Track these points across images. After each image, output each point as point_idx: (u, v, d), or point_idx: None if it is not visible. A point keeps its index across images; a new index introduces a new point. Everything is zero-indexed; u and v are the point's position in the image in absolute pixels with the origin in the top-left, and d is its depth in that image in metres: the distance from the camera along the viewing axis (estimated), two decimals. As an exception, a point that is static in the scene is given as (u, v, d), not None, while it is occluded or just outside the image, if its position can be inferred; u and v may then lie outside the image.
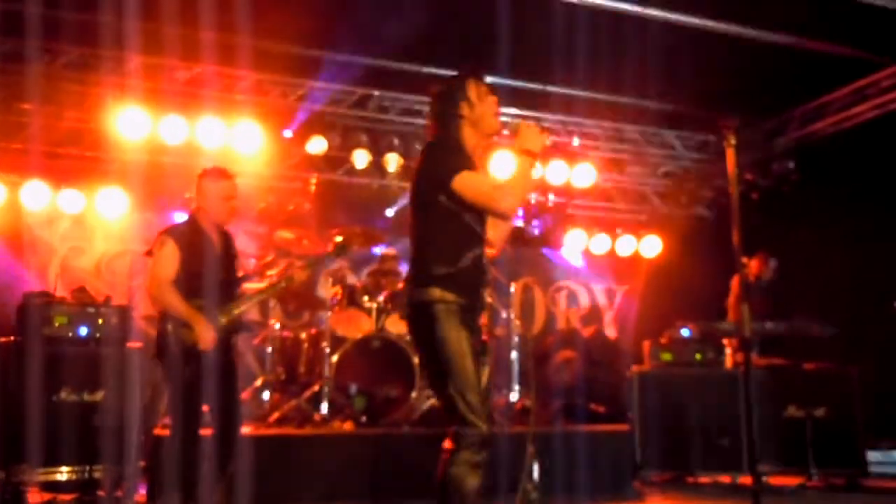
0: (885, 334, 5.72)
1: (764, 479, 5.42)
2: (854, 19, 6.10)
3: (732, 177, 3.10)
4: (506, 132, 3.02)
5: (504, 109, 7.47)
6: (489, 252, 2.98)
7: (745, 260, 6.34)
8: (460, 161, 2.80)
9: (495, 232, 2.99)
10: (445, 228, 2.81)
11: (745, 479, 5.51)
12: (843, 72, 7.14)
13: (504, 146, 7.02)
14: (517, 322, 6.39)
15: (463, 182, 2.75)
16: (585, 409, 6.07)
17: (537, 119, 7.76)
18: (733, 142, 3.07)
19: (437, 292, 2.75)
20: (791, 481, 5.52)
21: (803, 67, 6.89)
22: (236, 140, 6.81)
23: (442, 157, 2.84)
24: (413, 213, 2.90)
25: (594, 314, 8.44)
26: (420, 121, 7.30)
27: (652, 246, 8.56)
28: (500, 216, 2.87)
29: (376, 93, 7.15)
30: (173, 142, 6.63)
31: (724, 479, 5.55)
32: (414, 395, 5.29)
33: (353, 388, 5.32)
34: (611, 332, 8.55)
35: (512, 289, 6.47)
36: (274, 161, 7.14)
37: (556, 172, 7.77)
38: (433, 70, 6.73)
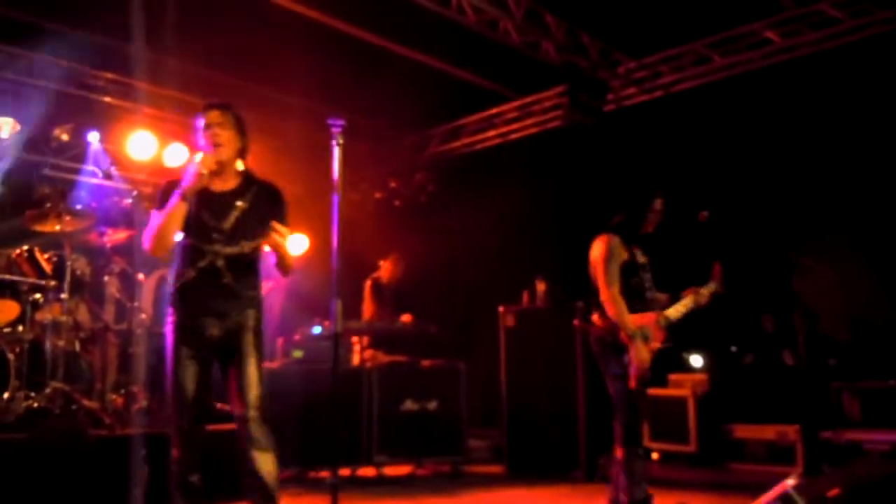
0: (491, 333, 6.43)
1: (379, 468, 5.76)
2: (490, 54, 6.84)
3: (339, 178, 3.21)
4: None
5: (147, 87, 6.99)
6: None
7: (381, 262, 6.73)
8: (161, 199, 3.10)
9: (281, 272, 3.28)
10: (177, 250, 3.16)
11: (365, 471, 5.79)
12: (479, 99, 7.97)
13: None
14: (144, 316, 5.94)
15: None
16: (210, 408, 5.84)
17: (183, 101, 7.34)
18: (341, 141, 3.18)
19: (171, 308, 3.17)
20: (404, 470, 5.95)
21: (449, 90, 7.55)
22: None
23: (159, 194, 3.18)
24: None
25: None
26: (44, 83, 6.44)
27: (299, 244, 8.63)
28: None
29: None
30: None
31: (345, 471, 5.74)
32: (6, 395, 4.60)
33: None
34: (252, 328, 8.43)
35: (142, 281, 6.01)
36: None
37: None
38: (60, 27, 6.02)
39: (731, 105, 6.77)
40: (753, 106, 6.67)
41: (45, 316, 5.04)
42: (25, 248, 5.23)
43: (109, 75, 6.95)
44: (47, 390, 4.80)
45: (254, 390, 3.13)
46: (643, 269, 3.99)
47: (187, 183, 3.02)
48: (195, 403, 3.13)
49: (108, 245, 5.59)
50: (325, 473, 5.72)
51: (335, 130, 3.19)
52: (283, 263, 3.23)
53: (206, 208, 3.11)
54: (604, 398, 5.74)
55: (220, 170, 3.14)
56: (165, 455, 4.55)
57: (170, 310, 3.17)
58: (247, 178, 3.27)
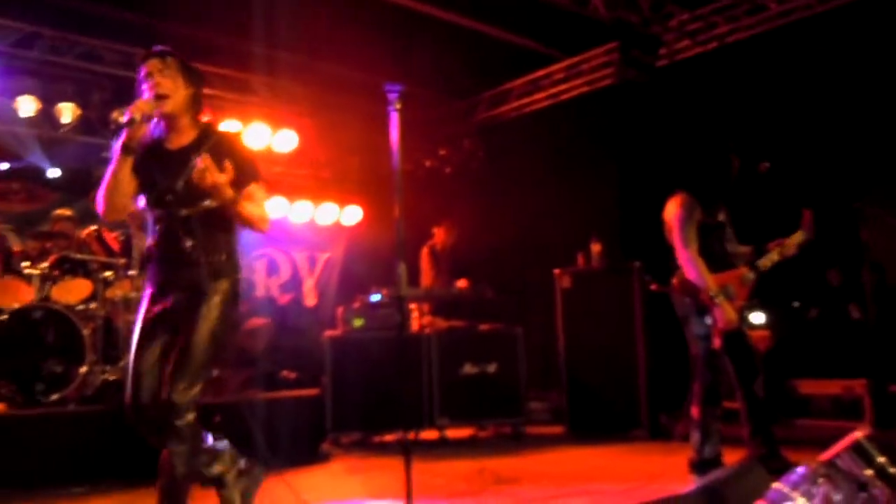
0: (546, 296, 6.43)
1: (441, 431, 5.86)
2: (535, 15, 6.73)
3: (397, 143, 3.18)
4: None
5: (205, 68, 7.12)
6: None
7: (434, 229, 6.78)
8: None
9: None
10: None
11: (428, 434, 5.90)
12: (526, 61, 7.86)
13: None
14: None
15: None
16: (276, 377, 6.03)
17: (243, 80, 7.47)
18: (398, 106, 3.14)
19: None
20: (465, 433, 6.03)
21: (494, 54, 7.47)
22: None
23: None
24: None
25: (293, 282, 8.41)
26: (102, 68, 6.60)
27: (353, 214, 8.74)
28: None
29: (48, 31, 6.30)
30: None
31: (409, 435, 5.85)
32: (84, 370, 4.81)
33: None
34: (311, 299, 8.60)
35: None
36: None
37: (257, 136, 7.58)
38: (116, 12, 6.15)
39: (790, 53, 6.52)
40: (813, 53, 6.41)
41: (115, 293, 5.24)
42: (94, 228, 5.44)
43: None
44: (121, 363, 5.01)
45: (183, 373, 2.69)
46: (722, 225, 3.93)
47: (124, 133, 2.68)
48: (148, 386, 2.73)
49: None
50: (388, 437, 5.87)
51: (392, 96, 3.12)
52: (238, 217, 2.80)
53: (158, 168, 2.79)
54: (664, 357, 5.75)
55: (170, 124, 2.83)
56: (239, 422, 4.76)
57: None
58: (204, 131, 2.90)
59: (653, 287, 5.44)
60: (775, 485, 2.29)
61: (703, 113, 6.60)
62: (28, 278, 4.95)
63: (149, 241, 2.85)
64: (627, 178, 7.15)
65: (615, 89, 7.46)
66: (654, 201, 4.17)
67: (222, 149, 2.82)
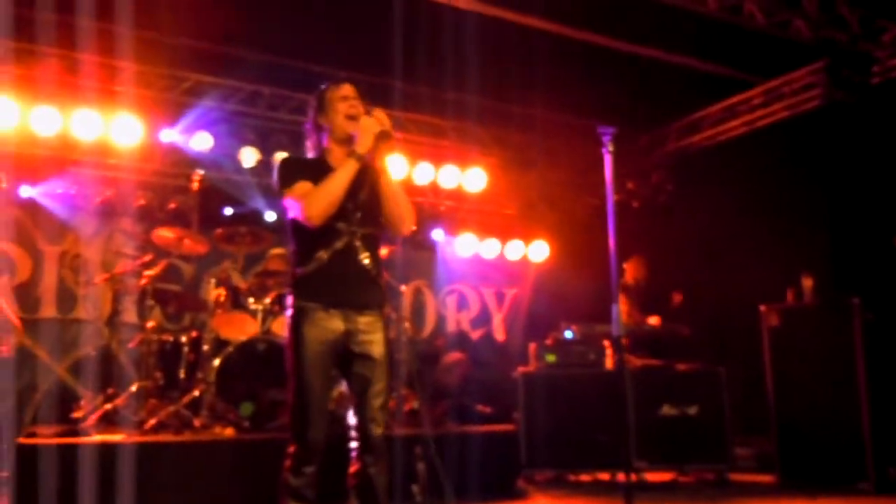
0: (748, 335, 6.06)
1: (639, 475, 5.66)
2: (728, 39, 6.51)
3: (610, 184, 3.19)
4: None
5: (397, 113, 7.56)
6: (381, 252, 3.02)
7: (624, 265, 6.65)
8: (295, 174, 2.85)
9: (393, 229, 2.96)
10: (297, 231, 2.90)
11: (625, 476, 5.71)
12: (718, 88, 7.58)
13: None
14: (407, 325, 6.38)
15: (288, 195, 2.84)
16: (473, 410, 6.13)
17: (435, 125, 7.82)
18: (611, 149, 3.16)
19: (294, 297, 2.85)
20: (665, 477, 5.79)
21: (682, 83, 7.28)
22: (114, 133, 6.52)
23: (280, 172, 2.90)
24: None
25: (483, 317, 8.56)
26: (282, 115, 7.22)
27: (540, 250, 8.78)
28: (307, 224, 2.80)
29: (266, 90, 7.00)
30: (46, 133, 6.28)
31: (604, 476, 5.73)
32: (299, 399, 5.17)
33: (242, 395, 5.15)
34: (500, 334, 8.71)
35: (402, 291, 6.46)
36: (155, 156, 6.86)
37: (448, 177, 7.89)
38: (325, 69, 6.68)
39: None
40: None
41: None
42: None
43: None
44: (333, 394, 5.33)
45: (380, 399, 2.90)
46: None
47: (364, 143, 2.78)
48: (326, 408, 2.90)
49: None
50: (583, 477, 5.77)
51: (605, 139, 3.15)
52: (389, 191, 2.89)
53: None
54: (891, 402, 5.21)
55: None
56: (435, 453, 4.88)
57: (291, 299, 2.87)
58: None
59: None
60: None
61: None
62: (253, 313, 5.43)
63: (320, 255, 2.82)
64: (838, 206, 6.62)
65: (820, 112, 6.99)
66: (870, 231, 3.84)
67: (375, 177, 2.92)
